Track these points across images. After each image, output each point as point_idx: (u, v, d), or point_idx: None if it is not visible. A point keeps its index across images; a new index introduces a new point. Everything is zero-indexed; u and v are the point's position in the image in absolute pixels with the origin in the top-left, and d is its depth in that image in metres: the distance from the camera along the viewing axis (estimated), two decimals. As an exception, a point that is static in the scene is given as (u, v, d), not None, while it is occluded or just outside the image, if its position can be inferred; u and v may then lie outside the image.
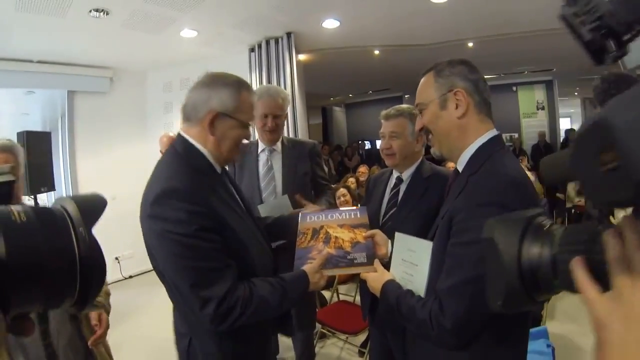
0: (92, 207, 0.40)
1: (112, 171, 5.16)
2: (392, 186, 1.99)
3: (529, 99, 9.93)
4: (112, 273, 5.20)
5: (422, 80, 1.23)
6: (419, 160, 1.95)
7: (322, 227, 1.55)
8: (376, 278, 1.32)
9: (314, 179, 2.47)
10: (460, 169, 1.19)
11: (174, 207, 1.18)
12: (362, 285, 2.17)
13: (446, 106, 1.15)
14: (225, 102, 1.28)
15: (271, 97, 2.28)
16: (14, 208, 0.31)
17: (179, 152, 1.32)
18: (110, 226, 4.60)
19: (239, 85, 1.32)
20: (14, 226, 0.31)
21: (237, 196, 1.48)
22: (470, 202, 1.06)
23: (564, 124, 10.36)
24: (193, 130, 1.32)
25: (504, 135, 9.73)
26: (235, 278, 1.24)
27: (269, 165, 2.40)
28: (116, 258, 5.22)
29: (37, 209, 0.34)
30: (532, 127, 9.78)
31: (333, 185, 4.31)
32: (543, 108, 9.82)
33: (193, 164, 1.30)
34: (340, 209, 1.66)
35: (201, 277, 1.20)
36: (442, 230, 1.12)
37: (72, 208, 0.35)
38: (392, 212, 1.92)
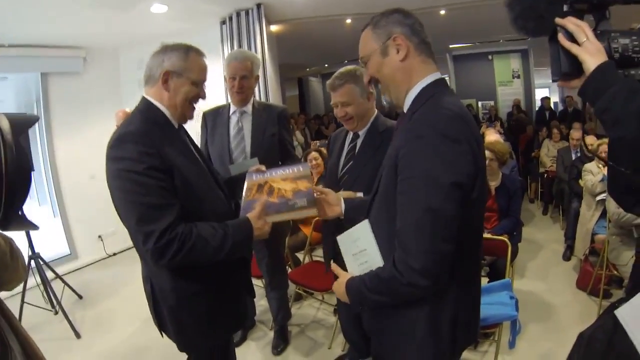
0: (23, 119, 0.42)
1: (90, 151, 5.06)
2: (349, 141, 2.08)
3: (505, 68, 10.02)
4: (96, 251, 5.24)
5: (362, 35, 1.27)
6: (374, 116, 2.04)
7: (266, 182, 1.65)
8: (339, 284, 1.27)
9: (280, 141, 2.56)
10: (405, 110, 1.22)
11: (127, 148, 1.32)
12: (325, 238, 2.27)
13: (387, 53, 1.19)
14: (175, 63, 1.45)
15: (238, 61, 2.39)
16: None
17: (140, 109, 1.49)
18: (92, 205, 4.67)
19: (188, 49, 1.49)
20: None
21: (193, 150, 1.58)
22: (411, 135, 1.07)
23: (543, 93, 10.49)
24: (152, 90, 1.49)
25: (480, 103, 9.96)
26: (178, 216, 1.33)
27: (239, 127, 2.51)
28: (99, 236, 5.26)
29: None
30: (507, 95, 9.91)
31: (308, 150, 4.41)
32: (519, 77, 9.94)
33: (151, 117, 1.46)
34: (284, 166, 1.77)
35: (146, 212, 1.29)
36: (389, 169, 1.15)
37: (2, 120, 0.36)
38: (349, 165, 2.02)
